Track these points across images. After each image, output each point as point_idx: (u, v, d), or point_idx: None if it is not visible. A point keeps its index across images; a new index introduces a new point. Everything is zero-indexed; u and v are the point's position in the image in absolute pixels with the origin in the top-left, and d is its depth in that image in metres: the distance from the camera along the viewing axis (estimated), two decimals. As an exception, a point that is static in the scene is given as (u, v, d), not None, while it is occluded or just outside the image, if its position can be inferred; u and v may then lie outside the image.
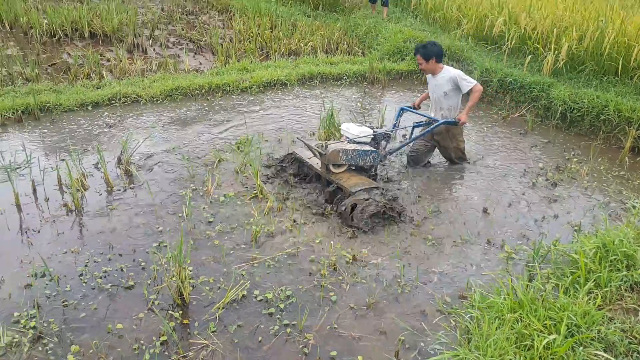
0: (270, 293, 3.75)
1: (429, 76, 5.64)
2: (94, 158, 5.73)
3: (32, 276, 3.81)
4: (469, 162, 6.05)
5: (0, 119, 6.61)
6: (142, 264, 4.03)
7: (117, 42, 10.43)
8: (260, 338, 3.35)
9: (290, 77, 8.93)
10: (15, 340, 3.21)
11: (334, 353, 3.26)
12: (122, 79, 8.51)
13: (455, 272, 4.14)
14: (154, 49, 10.72)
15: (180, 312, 3.54)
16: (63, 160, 5.56)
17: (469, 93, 5.45)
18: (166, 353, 3.19)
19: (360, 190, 4.68)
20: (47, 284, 3.74)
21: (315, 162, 5.15)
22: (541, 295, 3.37)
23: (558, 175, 5.88)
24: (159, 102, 7.69)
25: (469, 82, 5.36)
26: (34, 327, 3.32)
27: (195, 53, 10.77)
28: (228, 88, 8.37)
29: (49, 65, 9.18)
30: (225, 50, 10.29)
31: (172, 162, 5.77)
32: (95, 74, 8.61)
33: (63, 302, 3.58)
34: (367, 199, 4.63)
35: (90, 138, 6.32)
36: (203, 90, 8.19)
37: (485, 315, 3.18)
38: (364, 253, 4.28)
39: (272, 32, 11.43)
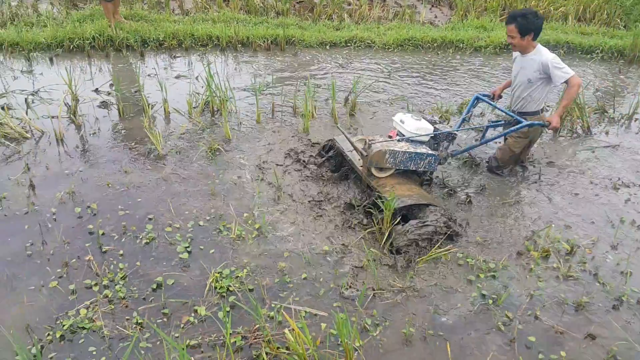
0: (472, 260, 3.62)
1: (516, 54, 4.48)
2: (325, 94, 6.10)
3: (258, 181, 4.29)
4: (502, 175, 4.75)
5: (253, 45, 7.42)
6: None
7: (361, -13, 10.74)
8: (457, 302, 3.28)
9: (531, 43, 8.19)
10: (242, 234, 3.69)
11: (532, 338, 3.03)
12: (359, 24, 8.80)
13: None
14: (393, -2, 10.79)
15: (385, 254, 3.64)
16: (299, 90, 6.05)
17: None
18: (364, 282, 3.33)
19: (405, 206, 3.69)
20: (269, 194, 4.18)
21: (357, 159, 4.15)
22: None
23: None
24: (390, 50, 7.78)
25: (564, 72, 4.11)
26: (257, 229, 3.76)
27: (433, 5, 10.55)
28: (461, 45, 8.06)
29: (297, 2, 9.90)
30: (464, 5, 9.86)
31: (391, 110, 5.84)
32: (336, 16, 9.05)
33: (281, 212, 3.97)
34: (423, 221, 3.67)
35: (324, 75, 6.73)
36: (435, 44, 8.03)
37: None
38: (587, 250, 3.82)
39: (519, -9, 10.54)
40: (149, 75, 6.23)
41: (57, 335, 2.82)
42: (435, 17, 9.86)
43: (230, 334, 2.82)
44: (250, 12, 8.82)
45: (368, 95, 6.17)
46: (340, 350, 2.80)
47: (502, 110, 4.50)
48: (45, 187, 4.08)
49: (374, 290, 3.27)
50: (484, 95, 4.69)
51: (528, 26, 4.10)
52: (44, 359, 2.68)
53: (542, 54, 4.19)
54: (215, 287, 3.18)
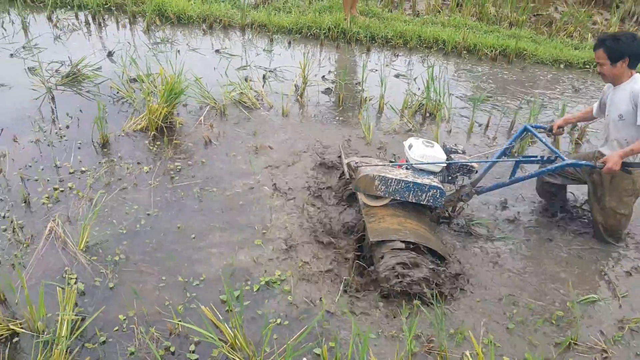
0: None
1: (608, 87, 3.59)
2: (550, 116, 5.63)
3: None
4: (621, 245, 3.78)
5: (479, 53, 7.19)
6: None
7: (614, 7, 9.61)
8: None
9: None
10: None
11: None
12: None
13: None
14: (649, 22, 9.44)
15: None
16: (521, 108, 5.68)
17: None
18: (560, 335, 3.02)
19: (386, 241, 3.20)
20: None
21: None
22: None
23: None
24: (636, 79, 6.83)
25: None
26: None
27: (700, 37, 8.97)
28: None
29: (534, 15, 9.29)
30: None
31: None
32: (578, 34, 8.27)
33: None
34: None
35: (552, 95, 6.22)
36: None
37: None
38: None
39: None
40: (370, 70, 6.47)
41: (255, 289, 3.12)
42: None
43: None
44: (482, 19, 8.55)
45: (601, 124, 5.51)
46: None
47: (545, 144, 3.66)
48: (266, 154, 4.53)
49: (570, 340, 2.93)
50: (536, 127, 3.88)
51: (620, 50, 3.30)
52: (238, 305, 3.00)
53: (637, 82, 3.36)
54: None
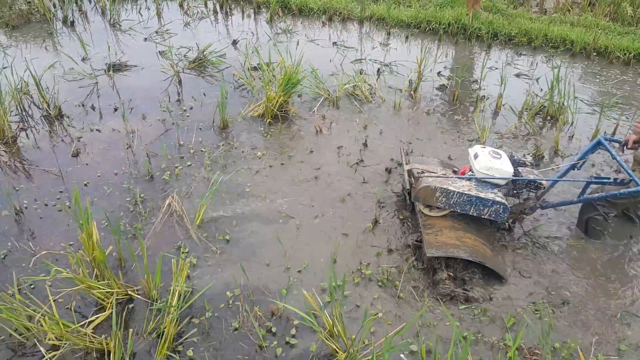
0: None
1: None
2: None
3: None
4: None
5: (610, 56, 6.59)
6: None
7: None
8: None
9: None
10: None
11: None
12: None
13: None
14: None
15: None
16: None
17: None
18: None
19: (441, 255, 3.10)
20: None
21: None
22: None
23: None
24: None
25: None
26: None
27: None
28: None
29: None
30: None
31: None
32: None
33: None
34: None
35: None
36: None
37: None
38: None
39: None
40: (489, 68, 6.19)
41: (356, 280, 3.14)
42: None
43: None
44: (616, 20, 7.81)
45: None
46: None
47: (619, 164, 3.11)
48: (374, 147, 4.52)
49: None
50: (611, 140, 3.34)
51: None
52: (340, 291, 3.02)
53: None
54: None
